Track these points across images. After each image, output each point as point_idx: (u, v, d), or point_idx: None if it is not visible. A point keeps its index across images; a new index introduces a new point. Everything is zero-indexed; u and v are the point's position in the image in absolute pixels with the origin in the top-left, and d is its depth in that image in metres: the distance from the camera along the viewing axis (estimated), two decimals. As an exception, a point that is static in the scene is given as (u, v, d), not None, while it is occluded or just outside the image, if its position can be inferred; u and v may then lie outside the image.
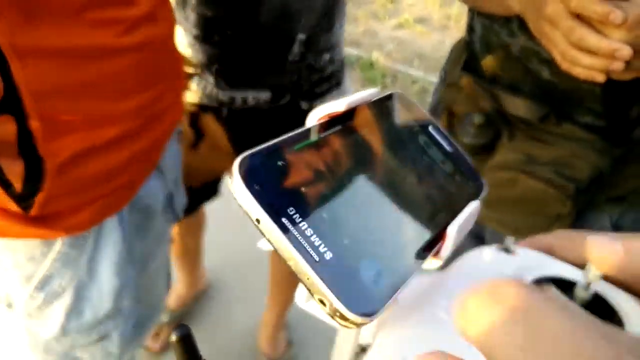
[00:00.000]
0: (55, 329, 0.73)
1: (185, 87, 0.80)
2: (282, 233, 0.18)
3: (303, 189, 0.20)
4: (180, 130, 0.89)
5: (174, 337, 0.22)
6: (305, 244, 0.19)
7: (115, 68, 0.62)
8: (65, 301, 0.72)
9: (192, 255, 1.68)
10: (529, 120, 0.78)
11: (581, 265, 0.26)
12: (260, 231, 0.19)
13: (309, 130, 0.22)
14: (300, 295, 0.22)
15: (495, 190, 0.80)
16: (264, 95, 1.02)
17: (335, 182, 0.22)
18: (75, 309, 0.73)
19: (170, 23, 0.72)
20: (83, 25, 0.57)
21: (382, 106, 0.27)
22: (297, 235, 0.19)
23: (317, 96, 1.11)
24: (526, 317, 0.16)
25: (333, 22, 1.04)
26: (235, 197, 0.19)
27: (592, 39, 0.61)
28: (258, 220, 0.19)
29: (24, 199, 0.61)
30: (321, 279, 0.18)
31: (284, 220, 0.19)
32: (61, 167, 0.61)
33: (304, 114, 0.25)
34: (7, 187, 0.60)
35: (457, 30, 3.77)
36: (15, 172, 0.59)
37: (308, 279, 0.18)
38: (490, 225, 0.89)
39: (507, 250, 0.28)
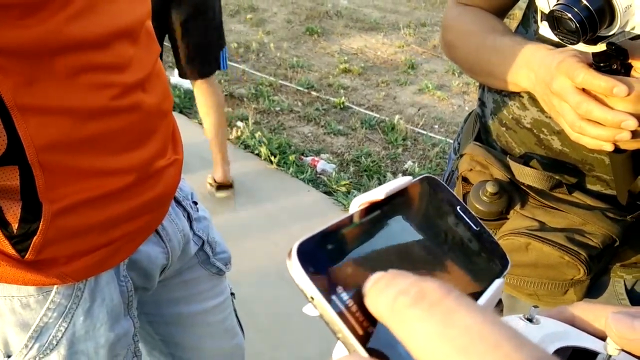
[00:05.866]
0: None
1: (180, 163, 0.87)
2: (333, 310, 0.22)
3: (349, 269, 0.23)
4: (194, 206, 0.96)
5: None
6: (352, 320, 0.22)
7: (109, 127, 0.68)
8: (60, 353, 0.74)
9: None
10: (540, 189, 0.80)
11: (601, 336, 0.27)
12: (314, 306, 0.22)
13: (352, 216, 0.26)
14: (338, 355, 0.25)
15: (509, 255, 0.81)
16: None
17: (376, 261, 0.25)
18: None
19: (162, 97, 0.79)
20: (80, 88, 0.63)
21: (415, 190, 0.30)
22: (345, 312, 0.22)
23: None
24: (443, 310, 0.20)
25: None
26: (292, 277, 0.22)
27: (598, 111, 0.63)
28: (312, 298, 0.22)
29: (20, 241, 0.65)
30: (365, 350, 0.21)
31: (334, 298, 0.22)
32: (58, 213, 0.65)
33: None
34: (5, 226, 0.64)
35: (475, 96, 3.84)
36: (13, 213, 0.64)
37: (354, 350, 0.22)
38: (506, 290, 0.90)
39: (530, 320, 0.29)
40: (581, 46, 0.62)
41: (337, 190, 2.79)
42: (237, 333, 1.11)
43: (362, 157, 3.09)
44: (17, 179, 0.61)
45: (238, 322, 1.12)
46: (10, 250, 0.65)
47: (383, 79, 4.08)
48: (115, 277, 0.78)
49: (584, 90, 0.64)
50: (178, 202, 0.91)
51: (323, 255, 0.23)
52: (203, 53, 2.33)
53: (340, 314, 0.22)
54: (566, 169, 0.81)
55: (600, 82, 0.61)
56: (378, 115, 3.56)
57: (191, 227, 0.93)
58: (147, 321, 1.00)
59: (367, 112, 3.62)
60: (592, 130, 0.64)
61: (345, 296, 0.22)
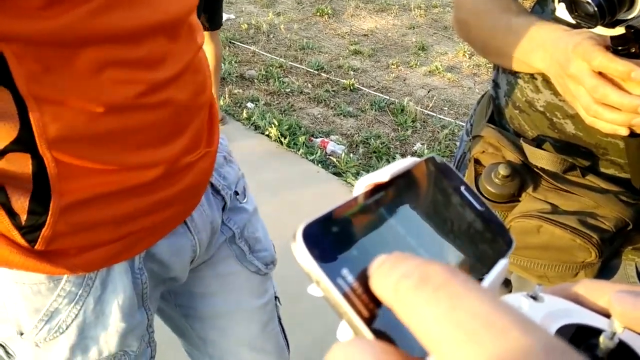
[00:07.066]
0: None
1: (213, 155, 0.82)
2: (338, 292, 0.22)
3: (354, 252, 0.24)
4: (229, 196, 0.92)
5: None
6: (357, 302, 0.22)
7: (132, 123, 0.65)
8: (70, 337, 0.74)
9: None
10: (554, 172, 0.80)
11: (605, 314, 0.27)
12: (320, 289, 0.22)
13: (357, 198, 0.26)
14: (342, 333, 0.25)
15: (520, 237, 0.82)
16: None
17: (381, 243, 0.25)
18: (80, 346, 0.75)
19: (198, 91, 0.74)
20: (103, 83, 0.60)
21: (420, 170, 0.30)
22: (350, 294, 0.22)
23: None
24: (448, 294, 0.19)
25: None
26: (297, 260, 0.22)
27: (614, 95, 0.62)
28: (318, 281, 0.22)
29: (29, 232, 0.64)
30: (371, 331, 0.22)
31: (339, 281, 0.22)
32: (68, 207, 0.64)
33: None
34: (13, 216, 0.63)
35: (486, 78, 3.81)
36: (21, 204, 0.62)
37: (359, 331, 0.22)
38: (516, 271, 0.90)
39: (535, 297, 0.29)
40: (599, 29, 0.62)
41: (347, 171, 2.79)
42: (278, 343, 1.04)
43: (372, 139, 3.08)
44: (29, 168, 0.60)
45: (283, 333, 1.06)
46: (19, 239, 0.64)
47: (393, 61, 4.06)
48: (130, 268, 0.77)
49: (600, 73, 0.63)
50: (217, 192, 0.88)
51: (328, 238, 0.23)
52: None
53: (346, 297, 0.22)
54: (580, 152, 0.81)
55: (617, 65, 0.61)
56: (388, 97, 3.55)
57: (222, 217, 0.90)
58: (182, 314, 0.98)
59: (376, 93, 3.60)
60: (608, 114, 0.64)
61: (350, 279, 0.22)
